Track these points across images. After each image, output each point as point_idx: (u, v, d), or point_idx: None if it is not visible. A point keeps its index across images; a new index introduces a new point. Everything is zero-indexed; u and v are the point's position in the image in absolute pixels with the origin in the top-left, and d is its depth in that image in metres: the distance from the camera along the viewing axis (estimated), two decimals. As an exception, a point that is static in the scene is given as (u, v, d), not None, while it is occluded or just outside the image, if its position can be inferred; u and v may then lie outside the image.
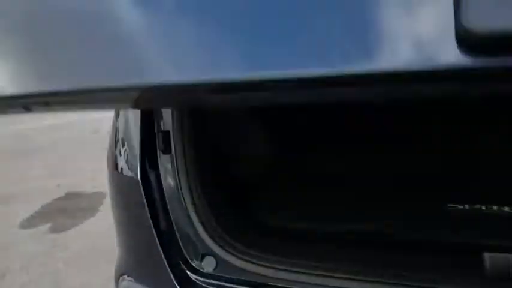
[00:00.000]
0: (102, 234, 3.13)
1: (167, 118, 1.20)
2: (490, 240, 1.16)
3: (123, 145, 1.30)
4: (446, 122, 1.78)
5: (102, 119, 6.03)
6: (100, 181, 4.07)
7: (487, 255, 1.04)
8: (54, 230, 3.32)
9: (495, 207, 1.33)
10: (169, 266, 1.17)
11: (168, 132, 1.20)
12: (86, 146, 5.24)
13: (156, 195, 1.20)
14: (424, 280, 1.01)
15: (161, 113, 1.22)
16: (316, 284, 1.08)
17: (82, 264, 2.84)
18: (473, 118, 1.74)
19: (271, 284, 1.11)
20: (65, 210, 3.61)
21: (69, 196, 3.90)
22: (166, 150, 1.20)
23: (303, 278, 1.08)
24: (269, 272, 1.11)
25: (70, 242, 3.13)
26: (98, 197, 3.81)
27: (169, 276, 1.16)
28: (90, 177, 4.21)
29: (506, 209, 1.32)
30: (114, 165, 1.32)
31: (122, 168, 1.29)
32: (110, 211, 3.56)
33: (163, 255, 1.18)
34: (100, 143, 5.27)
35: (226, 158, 1.49)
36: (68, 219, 3.46)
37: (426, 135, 1.78)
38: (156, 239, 1.19)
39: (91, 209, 3.61)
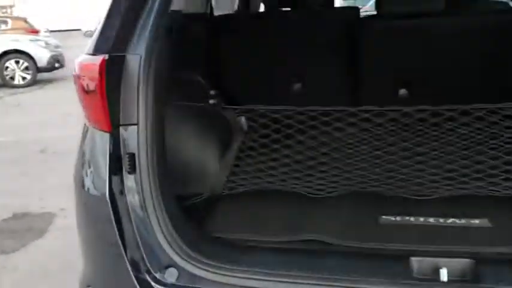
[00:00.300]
0: (52, 254, 3.11)
1: (133, 141, 1.31)
2: (417, 247, 1.35)
3: (89, 166, 1.39)
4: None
5: (49, 138, 5.92)
6: (48, 201, 4.01)
7: (413, 260, 1.22)
8: (2, 251, 3.26)
9: (422, 219, 1.53)
10: (135, 278, 1.27)
11: (133, 154, 1.31)
12: (33, 166, 5.12)
13: (122, 212, 1.30)
14: (357, 282, 1.17)
15: (127, 136, 1.32)
16: None
17: (32, 285, 2.82)
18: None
19: None
20: (14, 231, 3.55)
21: (17, 216, 3.82)
22: (132, 170, 1.31)
23: (254, 283, 1.22)
24: (224, 279, 1.24)
25: (19, 263, 3.09)
26: (47, 217, 3.77)
27: (135, 287, 1.26)
28: (37, 197, 4.14)
29: (431, 220, 1.53)
30: (81, 185, 1.40)
31: (88, 188, 1.38)
32: (59, 232, 3.51)
33: (129, 268, 1.27)
34: (47, 162, 5.18)
35: (186, 177, 1.61)
36: (16, 240, 3.40)
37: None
38: (123, 252, 1.28)
39: (40, 229, 3.56)
